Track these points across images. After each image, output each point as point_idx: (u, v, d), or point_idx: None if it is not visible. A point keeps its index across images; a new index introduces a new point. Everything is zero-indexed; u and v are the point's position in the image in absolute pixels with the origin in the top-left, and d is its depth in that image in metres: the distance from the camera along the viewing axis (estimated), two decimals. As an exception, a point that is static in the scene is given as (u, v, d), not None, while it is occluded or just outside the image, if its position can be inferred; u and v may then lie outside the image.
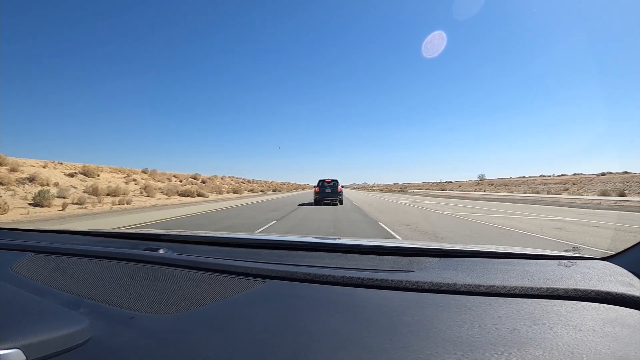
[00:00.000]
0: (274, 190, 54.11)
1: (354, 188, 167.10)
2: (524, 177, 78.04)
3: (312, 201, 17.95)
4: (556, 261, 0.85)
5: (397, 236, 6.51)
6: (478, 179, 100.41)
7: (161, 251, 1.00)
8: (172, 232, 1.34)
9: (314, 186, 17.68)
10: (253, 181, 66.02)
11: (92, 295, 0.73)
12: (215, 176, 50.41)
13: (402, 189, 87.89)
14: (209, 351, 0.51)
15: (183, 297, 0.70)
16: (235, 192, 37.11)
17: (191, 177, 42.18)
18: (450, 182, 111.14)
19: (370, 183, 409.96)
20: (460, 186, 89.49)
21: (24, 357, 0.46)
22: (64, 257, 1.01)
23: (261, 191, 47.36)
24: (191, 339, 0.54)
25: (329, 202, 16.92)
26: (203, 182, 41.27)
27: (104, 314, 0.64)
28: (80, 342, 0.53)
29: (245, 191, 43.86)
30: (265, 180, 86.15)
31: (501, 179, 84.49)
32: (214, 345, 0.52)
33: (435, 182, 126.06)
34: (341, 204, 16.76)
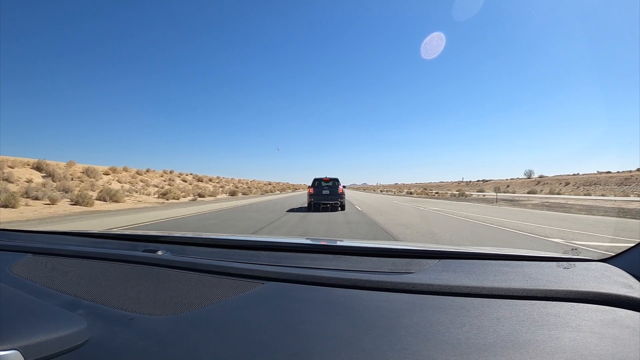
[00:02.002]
0: (232, 194, 31.86)
1: (354, 188, 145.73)
2: (608, 172, 54.66)
3: (295, 210, 13.51)
4: (555, 263, 0.84)
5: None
6: (526, 176, 77.10)
7: (160, 253, 1.00)
8: (171, 233, 1.33)
9: (309, 187, 13.48)
10: (217, 179, 43.93)
11: (91, 297, 0.72)
12: (135, 172, 28.42)
13: (451, 188, 58.46)
14: (208, 353, 0.50)
15: (182, 298, 0.70)
16: (107, 200, 14.55)
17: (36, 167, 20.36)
18: (485, 180, 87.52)
19: (370, 183, 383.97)
20: (508, 186, 65.99)
21: (23, 359, 0.46)
22: (62, 258, 1.00)
23: (198, 196, 25.01)
24: (190, 341, 0.54)
25: (327, 206, 12.53)
26: (68, 177, 19.50)
27: (103, 315, 0.63)
28: (78, 344, 0.52)
29: (151, 195, 21.38)
30: (246, 179, 64.01)
31: (568, 176, 61.04)
32: (212, 347, 0.52)
33: (463, 182, 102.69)
34: (343, 209, 12.38)
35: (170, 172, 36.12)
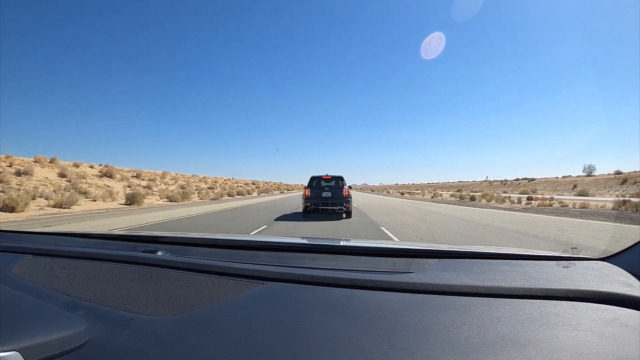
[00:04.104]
0: (130, 202, 16.78)
1: (356, 189, 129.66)
2: None
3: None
4: (554, 262, 0.84)
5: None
6: (585, 173, 59.82)
7: (159, 253, 1.00)
8: (171, 234, 1.33)
9: (305, 187, 10.78)
10: (159, 176, 28.93)
11: (90, 298, 0.72)
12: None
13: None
14: (208, 353, 0.51)
15: (181, 299, 0.70)
16: None
17: None
18: (530, 179, 70.23)
19: (371, 184, 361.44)
20: (575, 186, 48.96)
21: None
22: (62, 259, 1.00)
23: (6, 211, 9.90)
24: (190, 341, 0.54)
25: (328, 211, 10.00)
26: None
27: (102, 316, 0.63)
28: (78, 345, 0.52)
29: None
30: (215, 176, 48.99)
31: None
32: (212, 348, 0.52)
33: (495, 182, 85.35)
34: (349, 216, 9.66)
35: (50, 161, 21.02)
